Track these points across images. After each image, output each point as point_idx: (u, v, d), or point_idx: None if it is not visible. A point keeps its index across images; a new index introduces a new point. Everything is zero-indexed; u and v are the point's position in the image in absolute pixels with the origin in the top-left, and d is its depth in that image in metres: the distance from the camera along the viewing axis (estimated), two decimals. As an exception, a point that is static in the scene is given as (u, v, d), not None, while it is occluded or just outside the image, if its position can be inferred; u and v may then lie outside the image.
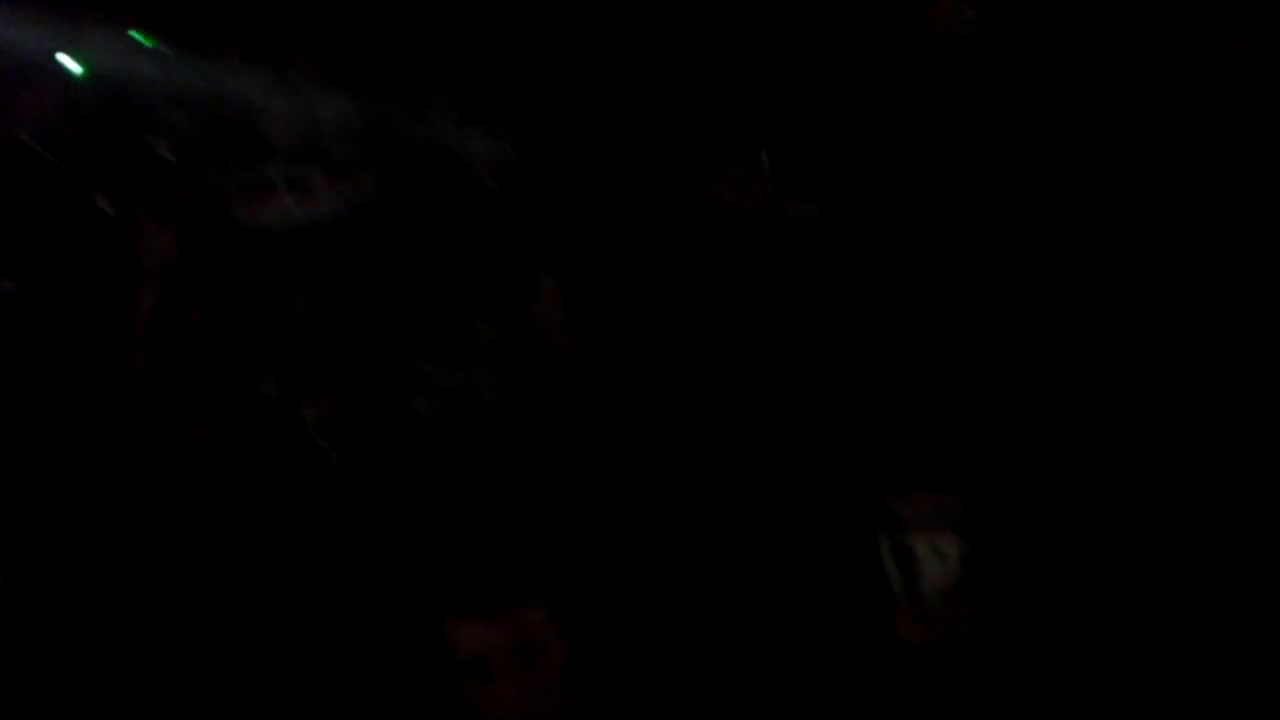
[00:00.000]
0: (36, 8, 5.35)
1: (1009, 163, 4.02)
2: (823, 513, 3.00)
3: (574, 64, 4.94)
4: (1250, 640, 2.65)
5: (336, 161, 4.97)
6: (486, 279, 4.45)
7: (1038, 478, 3.01)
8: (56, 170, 5.00)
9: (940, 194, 4.00)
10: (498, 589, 2.31)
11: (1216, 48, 4.12)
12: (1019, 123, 4.07)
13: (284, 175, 4.84)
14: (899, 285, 3.75)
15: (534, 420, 3.52)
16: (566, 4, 5.20)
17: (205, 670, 3.15)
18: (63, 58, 5.42)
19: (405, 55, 5.71)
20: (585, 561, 3.06)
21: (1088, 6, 4.28)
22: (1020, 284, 3.73)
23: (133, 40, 5.74)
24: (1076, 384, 3.33)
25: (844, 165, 4.19)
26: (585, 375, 3.55)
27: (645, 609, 3.07)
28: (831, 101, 4.38)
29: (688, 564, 3.21)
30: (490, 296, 4.33)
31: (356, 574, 3.12)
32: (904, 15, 4.38)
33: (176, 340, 4.04)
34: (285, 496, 3.32)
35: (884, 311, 3.69)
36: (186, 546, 3.46)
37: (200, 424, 3.80)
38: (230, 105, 5.25)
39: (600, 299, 3.62)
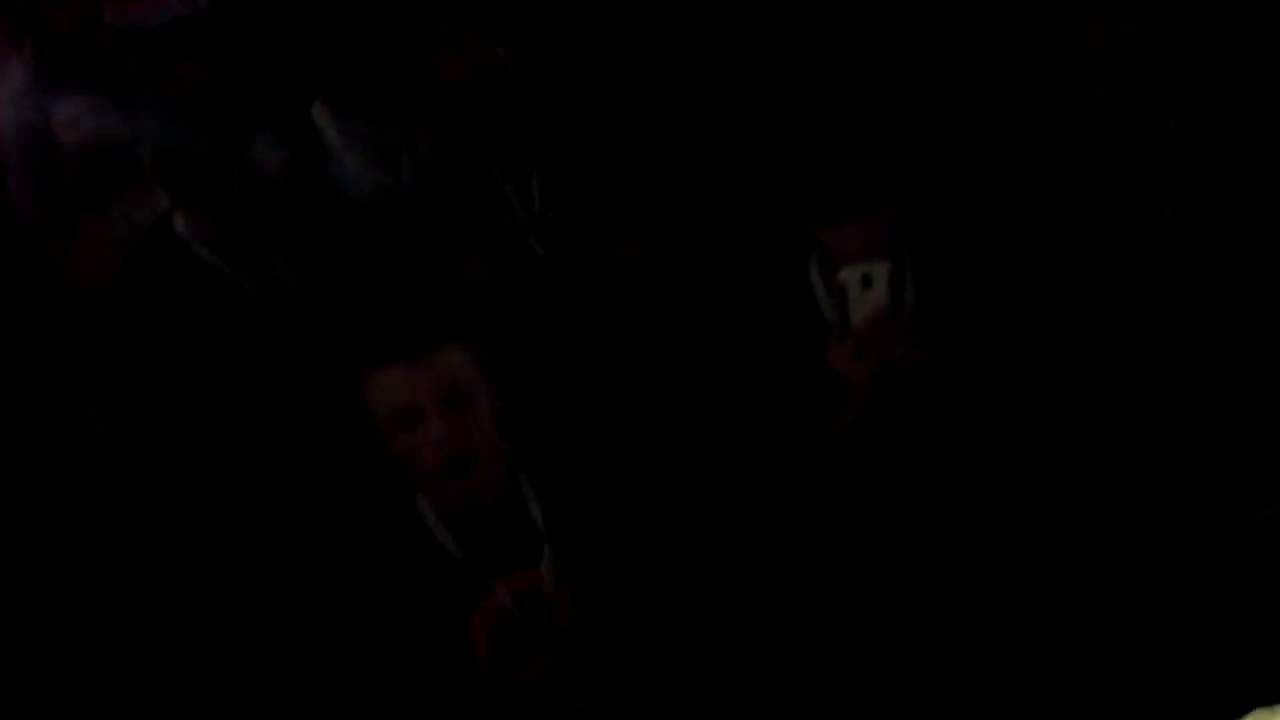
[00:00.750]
0: None
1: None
2: (754, 246, 2.92)
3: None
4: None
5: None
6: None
7: (966, 195, 2.95)
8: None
9: None
10: (419, 334, 2.29)
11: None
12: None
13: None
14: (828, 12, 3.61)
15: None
16: None
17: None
18: None
19: None
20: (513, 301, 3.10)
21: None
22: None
23: None
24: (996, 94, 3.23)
25: None
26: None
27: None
28: None
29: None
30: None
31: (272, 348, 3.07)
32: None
33: (49, 162, 3.83)
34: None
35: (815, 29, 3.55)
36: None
37: (96, 245, 3.64)
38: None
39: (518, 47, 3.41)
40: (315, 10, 4.35)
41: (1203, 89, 2.97)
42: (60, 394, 3.32)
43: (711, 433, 2.77)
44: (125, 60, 4.42)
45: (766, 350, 2.72)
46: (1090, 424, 2.77)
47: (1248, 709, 1.38)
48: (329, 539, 2.43)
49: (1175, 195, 2.85)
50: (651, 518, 2.44)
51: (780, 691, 2.57)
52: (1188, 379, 2.83)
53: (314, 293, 3.15)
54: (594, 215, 3.30)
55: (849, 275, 2.60)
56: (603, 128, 3.38)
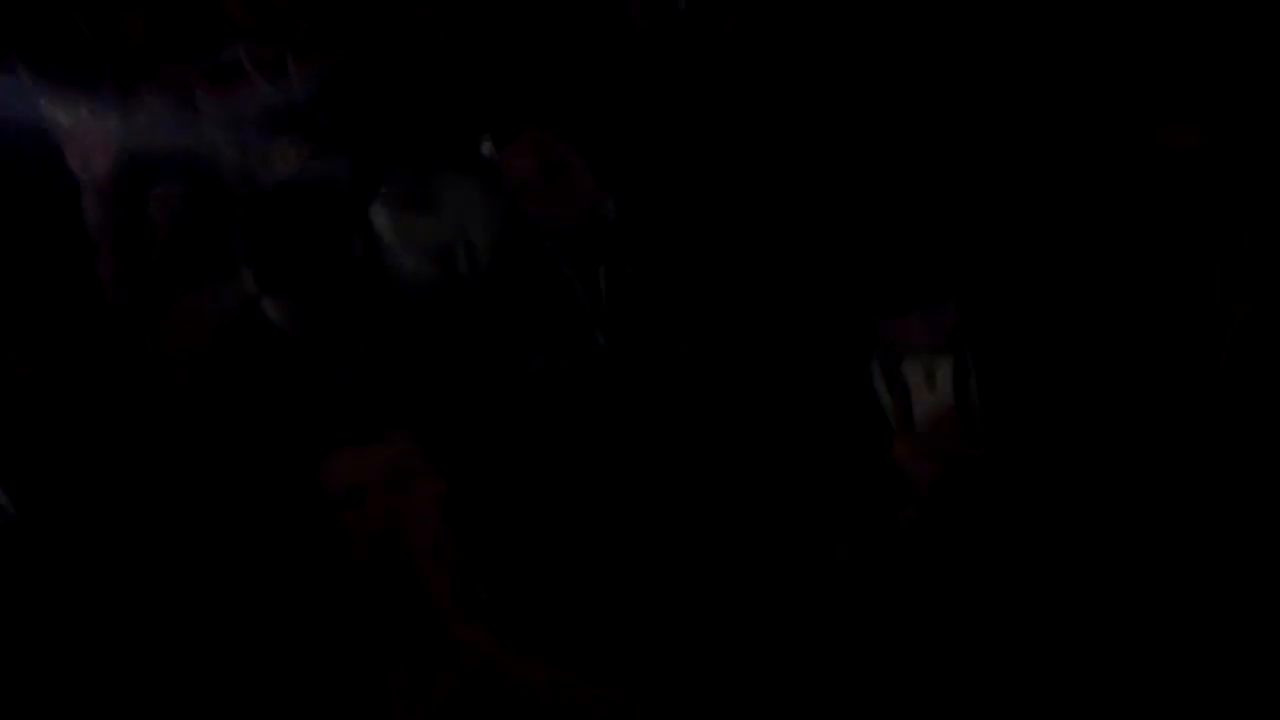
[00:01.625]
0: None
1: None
2: (817, 342, 2.96)
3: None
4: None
5: (304, 38, 4.89)
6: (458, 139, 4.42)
7: (1032, 290, 2.97)
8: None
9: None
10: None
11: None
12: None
13: (250, 56, 4.78)
14: (882, 103, 3.66)
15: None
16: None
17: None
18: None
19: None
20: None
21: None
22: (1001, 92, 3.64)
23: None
24: (1062, 194, 3.26)
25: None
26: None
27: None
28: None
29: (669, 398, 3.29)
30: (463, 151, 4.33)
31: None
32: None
33: (141, 244, 3.99)
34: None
35: (869, 129, 3.62)
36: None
37: (183, 326, 3.77)
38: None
39: (584, 144, 3.52)
40: (393, 100, 4.55)
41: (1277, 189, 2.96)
42: (150, 476, 3.46)
43: (773, 527, 2.81)
44: (218, 142, 4.63)
45: (829, 445, 2.76)
46: (1157, 524, 2.76)
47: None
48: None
49: (1248, 294, 2.84)
50: (709, 608, 2.50)
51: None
52: (1258, 483, 2.80)
53: (389, 379, 3.26)
54: (660, 308, 3.36)
55: (912, 369, 2.65)
56: (670, 221, 3.44)
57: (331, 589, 2.59)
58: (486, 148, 4.47)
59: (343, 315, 3.25)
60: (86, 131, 3.88)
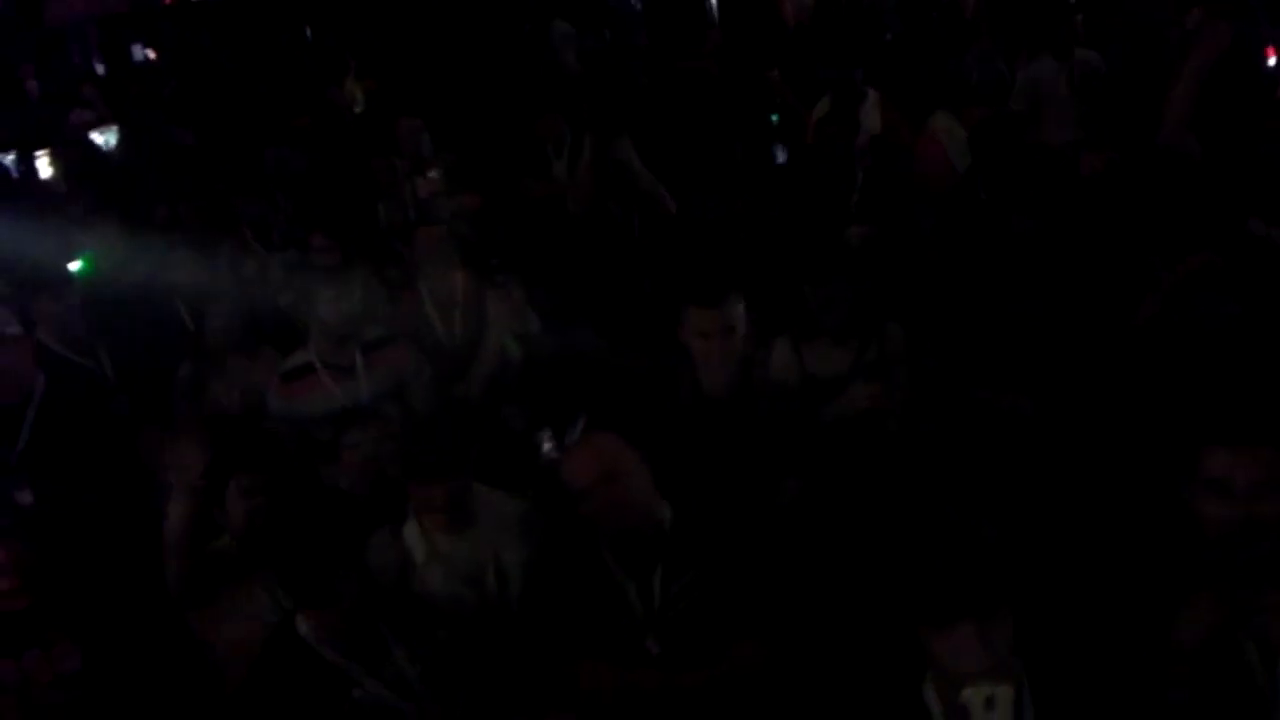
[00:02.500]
0: (48, 221, 5.74)
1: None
2: (868, 661, 2.93)
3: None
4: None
5: (372, 341, 5.07)
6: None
7: (1083, 612, 2.93)
8: (83, 372, 5.20)
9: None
10: None
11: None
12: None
13: (322, 359, 4.95)
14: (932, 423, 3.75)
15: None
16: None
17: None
18: (75, 264, 5.76)
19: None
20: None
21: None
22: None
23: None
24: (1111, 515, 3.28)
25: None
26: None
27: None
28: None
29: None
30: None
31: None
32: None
33: (206, 545, 4.08)
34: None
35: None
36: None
37: (233, 629, 3.81)
38: (259, 295, 5.47)
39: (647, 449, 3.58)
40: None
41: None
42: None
43: None
44: (286, 445, 4.76)
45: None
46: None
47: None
48: None
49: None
50: None
51: None
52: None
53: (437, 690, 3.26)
54: (714, 616, 3.34)
55: (973, 696, 2.59)
56: (724, 525, 3.46)
57: None
58: (548, 447, 4.57)
59: (375, 625, 3.29)
60: (186, 436, 4.06)
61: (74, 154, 9.86)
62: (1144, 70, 5.83)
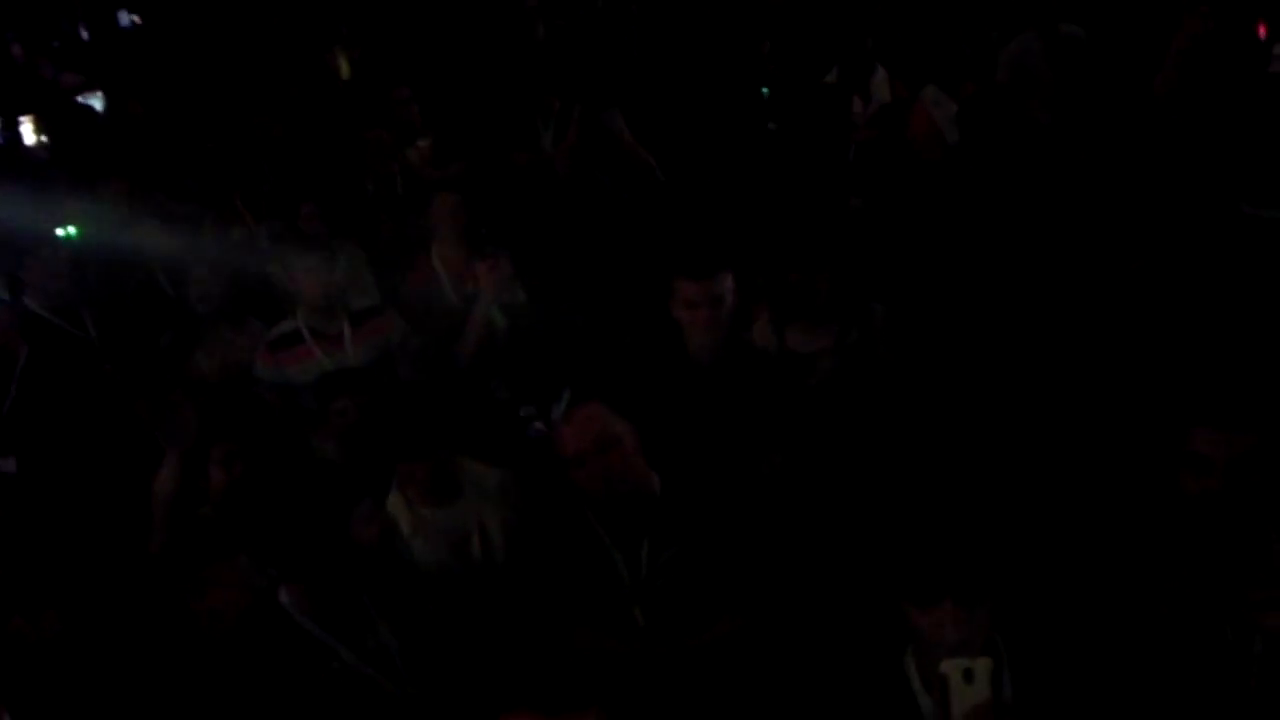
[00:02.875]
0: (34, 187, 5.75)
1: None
2: (852, 631, 2.97)
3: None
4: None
5: (360, 310, 5.09)
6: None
7: (1064, 594, 2.97)
8: (70, 338, 5.21)
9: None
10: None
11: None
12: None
13: (310, 327, 4.96)
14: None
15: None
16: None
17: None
18: (61, 230, 5.76)
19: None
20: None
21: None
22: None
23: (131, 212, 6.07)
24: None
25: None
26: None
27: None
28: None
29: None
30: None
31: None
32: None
33: (192, 515, 4.10)
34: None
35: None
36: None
37: (217, 596, 3.83)
38: (248, 263, 5.48)
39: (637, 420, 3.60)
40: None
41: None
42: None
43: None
44: (271, 413, 4.78)
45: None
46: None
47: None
48: None
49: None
50: None
51: None
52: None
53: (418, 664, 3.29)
54: (700, 588, 3.37)
55: (951, 668, 2.63)
56: (714, 497, 3.50)
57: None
58: (533, 420, 4.60)
59: (356, 597, 3.31)
60: (177, 401, 4.08)
61: (60, 119, 9.83)
62: (1130, 44, 5.83)
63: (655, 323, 4.03)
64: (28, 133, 9.73)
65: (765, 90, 7.30)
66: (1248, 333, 3.88)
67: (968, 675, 2.62)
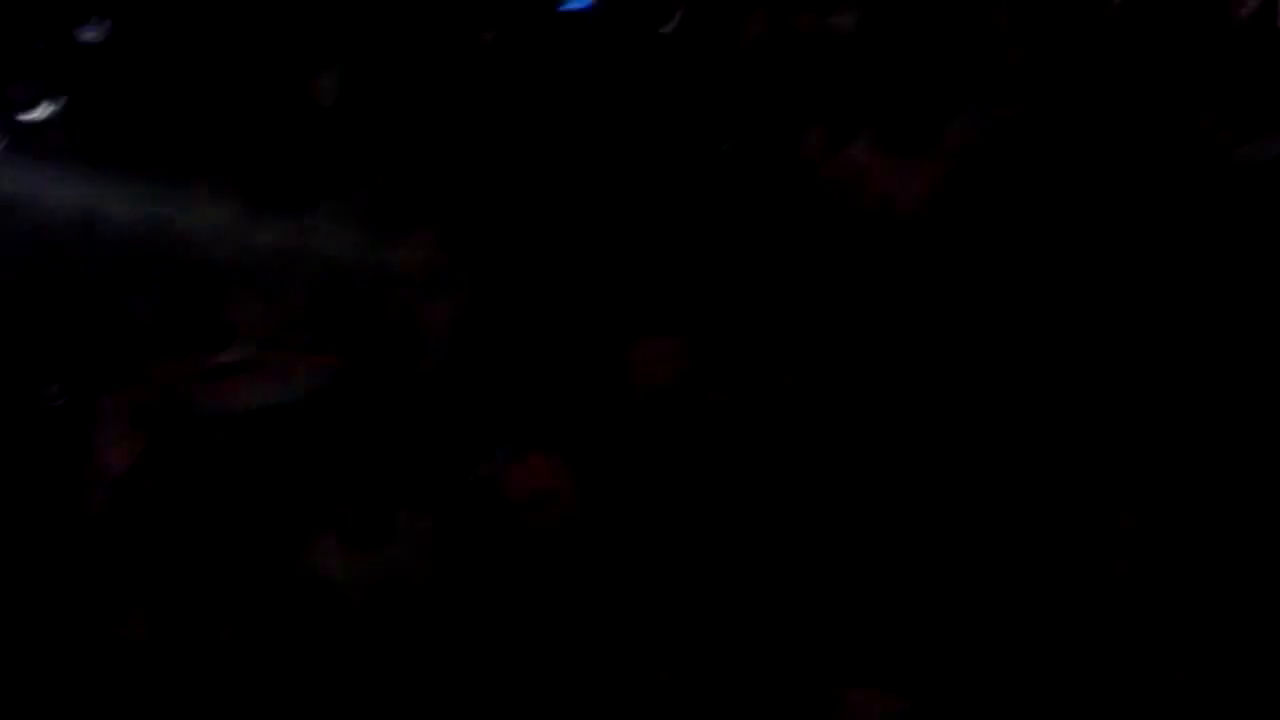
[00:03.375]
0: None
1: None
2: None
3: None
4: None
5: (305, 343, 5.06)
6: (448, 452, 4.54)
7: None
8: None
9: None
10: None
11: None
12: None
13: (251, 359, 4.93)
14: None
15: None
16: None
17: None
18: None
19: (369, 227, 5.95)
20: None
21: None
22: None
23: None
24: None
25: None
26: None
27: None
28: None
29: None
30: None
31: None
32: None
33: (131, 538, 4.08)
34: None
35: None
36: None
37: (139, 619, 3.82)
38: (191, 290, 5.44)
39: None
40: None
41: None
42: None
43: None
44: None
45: None
46: None
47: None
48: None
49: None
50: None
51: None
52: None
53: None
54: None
55: None
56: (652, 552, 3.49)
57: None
58: (484, 467, 4.59)
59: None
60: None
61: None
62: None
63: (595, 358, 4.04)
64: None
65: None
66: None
67: None
